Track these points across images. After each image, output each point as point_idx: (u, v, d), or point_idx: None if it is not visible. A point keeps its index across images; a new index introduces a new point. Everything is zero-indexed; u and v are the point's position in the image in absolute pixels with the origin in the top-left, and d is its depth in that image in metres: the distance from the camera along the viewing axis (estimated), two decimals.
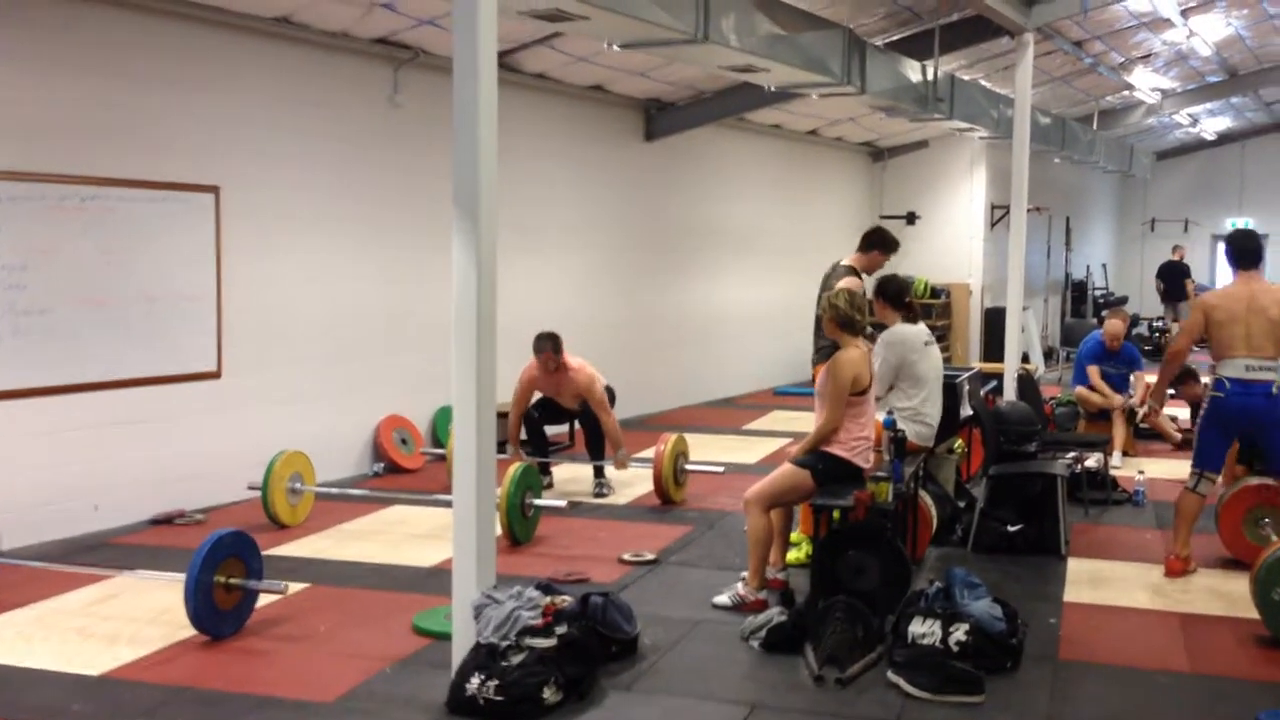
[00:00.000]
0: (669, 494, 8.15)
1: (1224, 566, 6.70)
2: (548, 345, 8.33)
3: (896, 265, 16.65)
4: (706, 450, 10.53)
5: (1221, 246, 24.38)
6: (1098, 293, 21.12)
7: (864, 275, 7.33)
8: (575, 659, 4.75)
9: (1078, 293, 20.29)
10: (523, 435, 8.60)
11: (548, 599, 4.97)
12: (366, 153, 9.04)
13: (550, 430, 8.97)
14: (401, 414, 9.48)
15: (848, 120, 14.79)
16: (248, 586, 5.42)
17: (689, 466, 8.47)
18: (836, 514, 5.69)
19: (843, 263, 7.29)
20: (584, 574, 6.44)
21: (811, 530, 6.19)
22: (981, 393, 8.75)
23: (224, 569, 5.35)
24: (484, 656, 4.62)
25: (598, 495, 8.48)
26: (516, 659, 4.62)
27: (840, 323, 5.88)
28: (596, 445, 8.61)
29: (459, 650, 4.80)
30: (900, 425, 6.09)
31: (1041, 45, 12.41)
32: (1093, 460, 8.82)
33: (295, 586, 6.11)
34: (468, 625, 4.79)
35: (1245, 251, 6.40)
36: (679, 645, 5.36)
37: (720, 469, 8.65)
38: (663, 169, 12.78)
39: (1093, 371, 9.95)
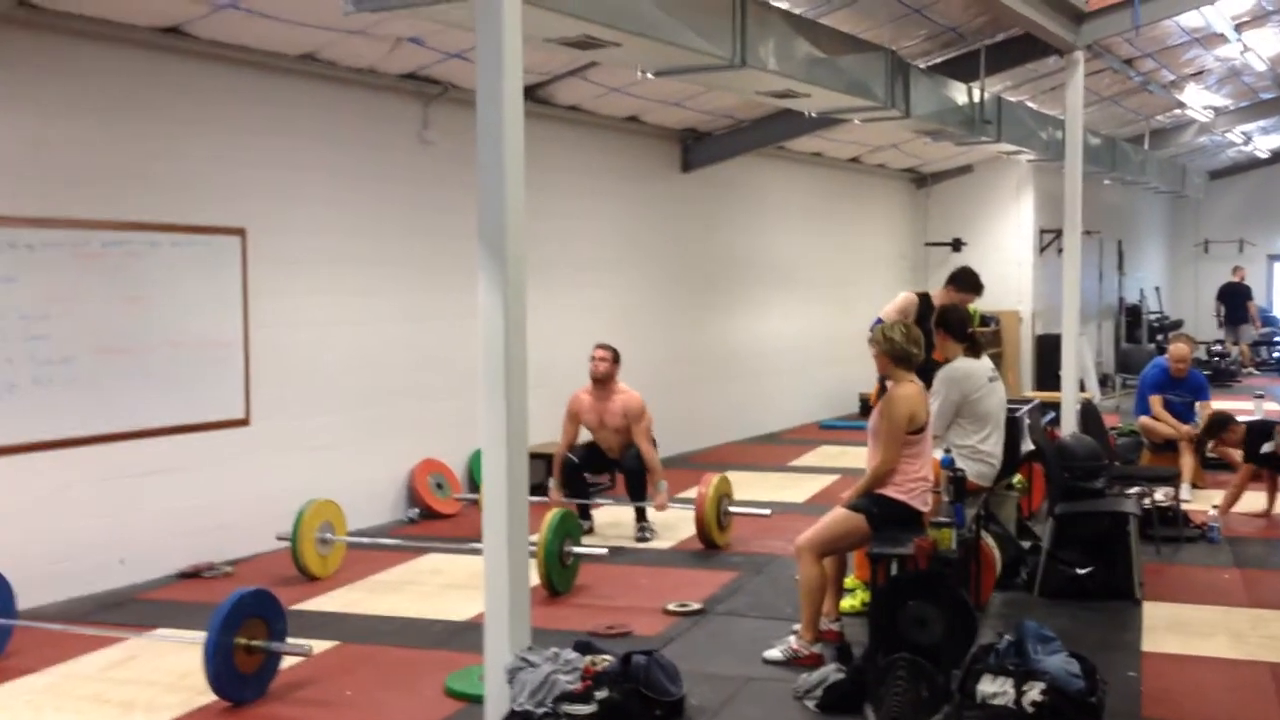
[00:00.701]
0: (712, 538, 7.80)
1: None
2: (611, 350, 8.20)
3: None
4: (752, 489, 10.18)
5: (1269, 266, 23.86)
6: (1152, 317, 20.58)
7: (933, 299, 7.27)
8: None
9: (1132, 317, 19.76)
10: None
11: (586, 660, 4.64)
12: (397, 191, 8.82)
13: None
14: (437, 458, 9.20)
15: (890, 147, 14.46)
16: (270, 648, 5.14)
17: (733, 509, 8.10)
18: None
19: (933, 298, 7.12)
20: (626, 627, 6.10)
21: (867, 575, 5.82)
22: (1042, 424, 8.36)
23: (245, 630, 5.07)
24: None
25: (640, 540, 8.14)
26: None
27: (895, 357, 5.54)
28: (638, 489, 8.28)
29: (492, 717, 4.48)
30: (959, 464, 5.73)
31: (1091, 64, 12.03)
32: (1161, 494, 8.37)
33: (323, 644, 5.84)
34: (501, 690, 4.47)
35: None
36: (728, 706, 5.00)
37: (767, 511, 8.28)
38: (701, 200, 12.49)
39: (1154, 401, 9.50)
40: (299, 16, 7.12)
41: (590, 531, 8.28)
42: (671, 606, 6.45)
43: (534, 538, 6.72)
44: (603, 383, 8.22)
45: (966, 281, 7.17)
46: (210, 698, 5.03)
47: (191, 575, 7.30)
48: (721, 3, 7.00)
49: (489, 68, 4.35)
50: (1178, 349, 9.57)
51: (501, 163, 4.37)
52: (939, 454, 5.81)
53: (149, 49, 7.11)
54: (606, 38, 6.22)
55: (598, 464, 8.46)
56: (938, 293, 7.16)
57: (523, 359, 4.52)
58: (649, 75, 7.54)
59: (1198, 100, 15.92)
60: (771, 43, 7.47)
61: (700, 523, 7.75)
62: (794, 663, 5.43)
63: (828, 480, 10.43)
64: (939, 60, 11.05)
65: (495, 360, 4.44)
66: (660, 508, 8.11)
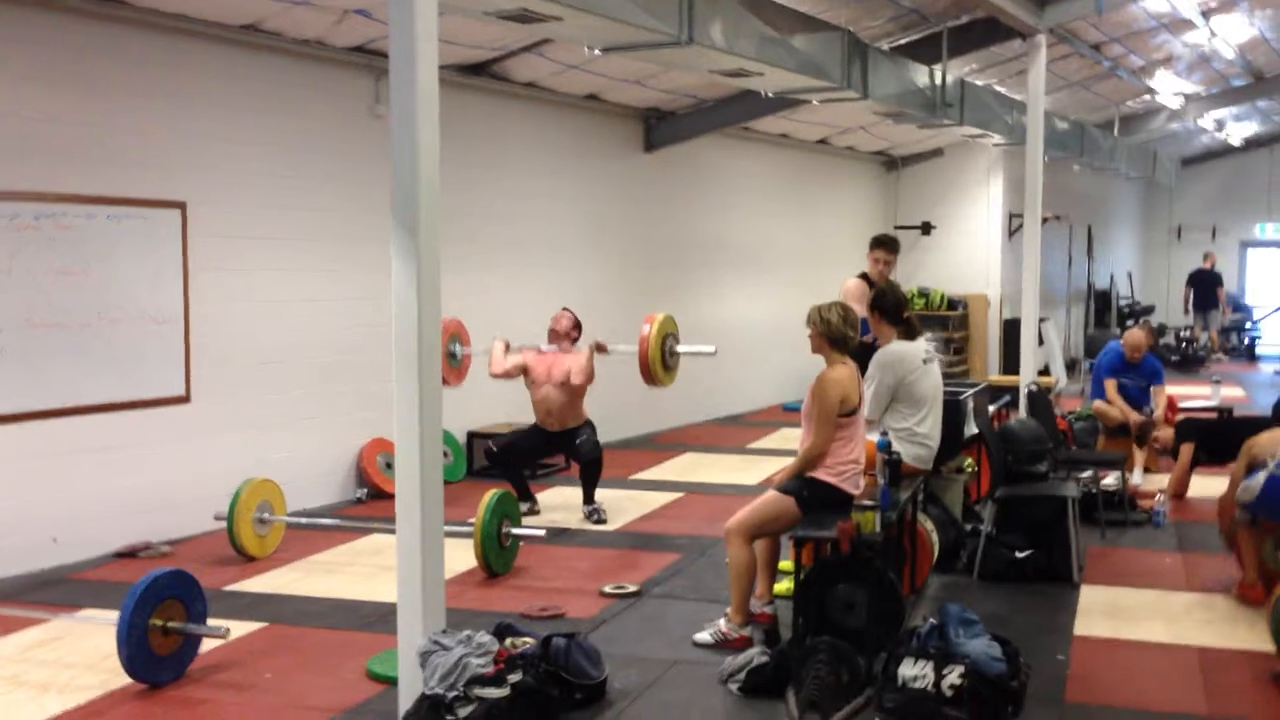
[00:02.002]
0: (658, 377, 7.35)
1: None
2: (574, 316, 8.20)
3: (913, 276, 16.47)
4: (710, 470, 10.16)
5: (1242, 253, 23.91)
6: (1123, 302, 20.58)
7: (874, 279, 7.40)
8: (530, 710, 4.35)
9: (1101, 303, 19.76)
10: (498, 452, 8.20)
11: (502, 644, 4.57)
12: (346, 166, 8.70)
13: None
14: (386, 437, 9.11)
15: (858, 129, 14.37)
16: (187, 631, 5.05)
17: (680, 349, 7.55)
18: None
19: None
20: (560, 609, 6.04)
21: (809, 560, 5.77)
22: (993, 408, 8.32)
23: (162, 611, 4.99)
24: (428, 709, 4.22)
25: (594, 520, 8.04)
26: (464, 711, 4.22)
27: (831, 339, 5.48)
28: (591, 478, 8.18)
29: (405, 701, 4.42)
30: (896, 447, 5.66)
31: (1057, 48, 11.99)
32: (1111, 479, 8.36)
33: (251, 626, 5.78)
34: (414, 673, 4.40)
35: None
36: (652, 689, 4.95)
37: (711, 349, 7.97)
38: (665, 180, 12.40)
39: (1109, 385, 9.47)
40: None
41: (535, 512, 8.20)
42: (608, 589, 6.39)
43: (472, 519, 6.69)
44: (559, 338, 8.12)
45: (878, 242, 7.53)
46: (128, 680, 4.95)
47: (128, 555, 7.21)
48: None
49: (402, 37, 4.24)
50: (1133, 336, 9.54)
51: (414, 131, 4.26)
52: (875, 437, 5.75)
53: (84, 17, 6.97)
54: (546, 11, 6.12)
55: (541, 449, 8.35)
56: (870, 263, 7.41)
57: (436, 338, 4.44)
58: (596, 51, 7.43)
59: (1168, 86, 15.88)
60: (720, 20, 7.37)
61: (645, 363, 7.30)
62: (722, 645, 5.38)
63: (786, 462, 10.35)
64: (902, 42, 10.97)
65: (408, 340, 4.35)
66: (601, 348, 7.87)
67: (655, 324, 7.31)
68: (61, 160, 6.94)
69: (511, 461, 8.24)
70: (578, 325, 8.23)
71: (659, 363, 7.31)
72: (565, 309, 8.34)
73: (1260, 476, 5.86)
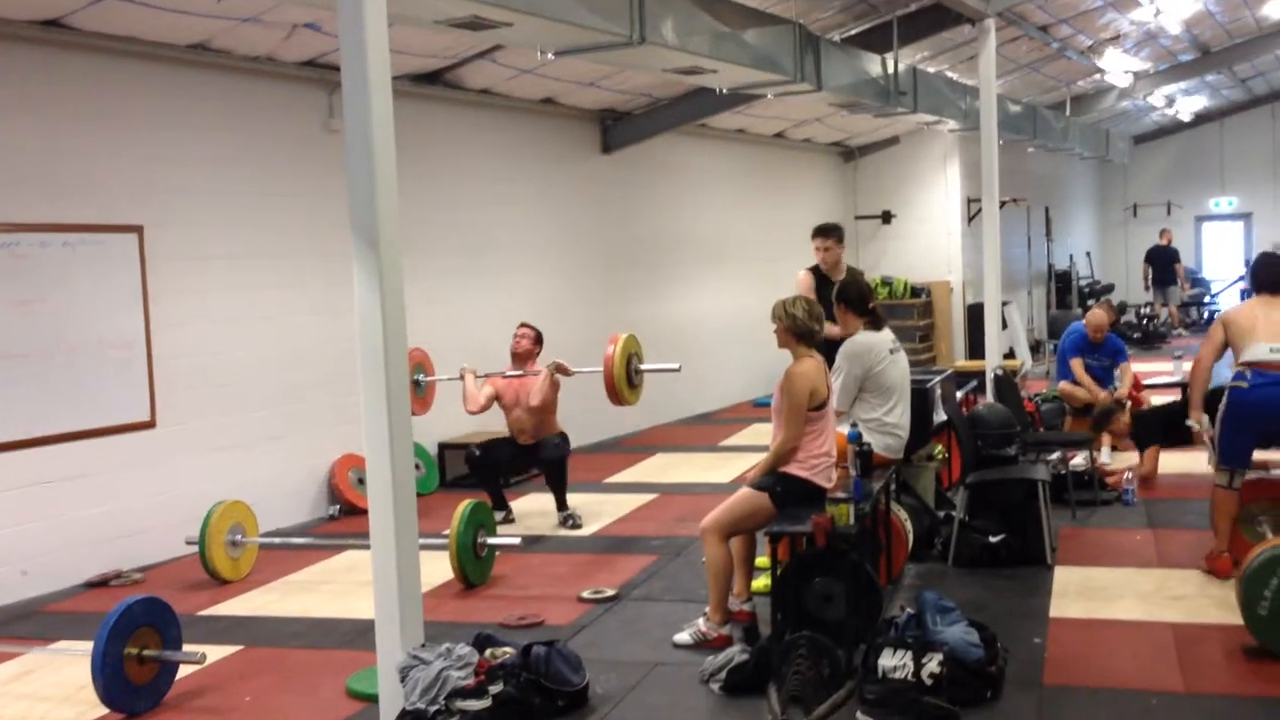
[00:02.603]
0: (624, 397, 7.39)
1: None
2: (533, 329, 8.19)
3: (875, 265, 16.55)
4: (681, 470, 10.17)
5: (1197, 227, 24.20)
6: (1083, 282, 20.77)
7: (824, 270, 7.37)
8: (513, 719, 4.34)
9: (1062, 283, 19.92)
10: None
11: (482, 655, 4.56)
12: (303, 181, 8.64)
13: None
14: (357, 452, 9.05)
15: (814, 120, 14.43)
16: (163, 658, 5.01)
17: (644, 368, 7.60)
18: None
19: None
20: (538, 617, 6.02)
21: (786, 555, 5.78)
22: (961, 393, 8.38)
23: (136, 639, 4.94)
24: None
25: (570, 526, 8.03)
26: None
27: (797, 333, 5.49)
28: (558, 479, 8.17)
29: (386, 718, 4.39)
30: (866, 437, 5.68)
31: (1006, 31, 12.09)
32: (1079, 459, 8.43)
33: (227, 650, 5.73)
34: (394, 690, 4.39)
35: (1271, 278, 6.16)
36: (634, 692, 4.94)
37: (676, 366, 8.11)
38: (624, 181, 12.40)
39: (1076, 364, 9.55)
40: (184, 5, 6.92)
41: (510, 521, 8.18)
42: (586, 594, 6.38)
43: (446, 531, 6.66)
44: (522, 360, 8.11)
45: (815, 231, 7.48)
46: (106, 710, 4.90)
47: (99, 584, 7.12)
48: None
49: (352, 50, 4.22)
50: (1095, 316, 9.62)
51: (370, 144, 4.24)
52: (845, 428, 5.77)
53: (28, 43, 6.88)
54: (496, 18, 6.11)
55: (514, 460, 8.33)
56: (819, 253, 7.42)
57: (402, 350, 4.42)
58: (550, 55, 7.42)
59: (1117, 65, 16.03)
60: (671, 19, 7.39)
61: (610, 384, 7.32)
62: (702, 645, 5.39)
63: (758, 458, 10.38)
64: (853, 32, 11.03)
65: (374, 355, 4.33)
66: (562, 370, 7.94)
67: (619, 345, 7.34)
68: (13, 189, 6.85)
69: (492, 466, 8.22)
70: (539, 340, 8.22)
71: (624, 382, 7.36)
72: (524, 325, 8.30)
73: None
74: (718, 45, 7.96)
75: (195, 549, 7.02)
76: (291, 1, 6.04)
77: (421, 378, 7.69)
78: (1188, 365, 11.66)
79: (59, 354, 7.06)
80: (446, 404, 9.57)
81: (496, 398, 8.15)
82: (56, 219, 7.05)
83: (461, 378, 8.06)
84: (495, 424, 8.61)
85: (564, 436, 8.19)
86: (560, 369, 7.92)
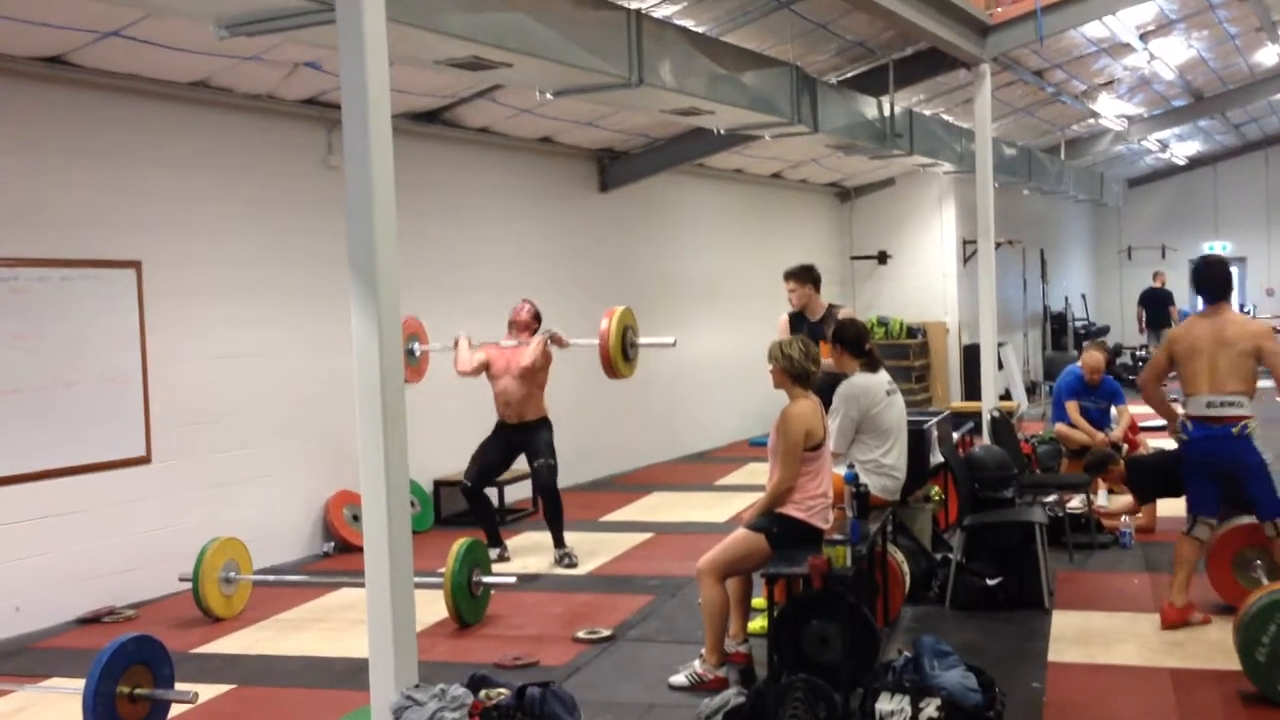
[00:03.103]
0: (618, 369, 7.40)
1: (1218, 612, 6.25)
2: (533, 305, 8.22)
3: (871, 305, 16.60)
4: (677, 509, 10.14)
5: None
6: (1078, 324, 20.83)
7: (803, 313, 7.47)
8: None
9: (1058, 325, 19.98)
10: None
11: (476, 696, 4.51)
12: (302, 218, 8.66)
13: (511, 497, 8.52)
14: (352, 489, 9.02)
15: (810, 161, 14.51)
16: (155, 697, 4.96)
17: (641, 341, 7.63)
18: None
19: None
20: (533, 657, 5.99)
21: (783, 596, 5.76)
22: (957, 435, 8.37)
23: (128, 678, 4.89)
24: None
25: (564, 564, 7.99)
26: None
27: (793, 374, 5.49)
28: (553, 511, 8.16)
29: None
30: (863, 479, 5.67)
31: (1001, 76, 12.19)
32: (1076, 501, 8.42)
33: (219, 688, 5.68)
34: None
35: (1213, 282, 6.03)
36: None
37: (671, 340, 8.13)
38: (621, 220, 12.44)
39: (1071, 407, 9.53)
40: (186, 44, 6.96)
41: (505, 559, 8.14)
42: (581, 634, 6.35)
43: (442, 569, 6.63)
44: (519, 329, 8.13)
45: (803, 274, 7.51)
46: None
47: (91, 621, 7.08)
48: (615, 21, 6.98)
49: (353, 89, 4.24)
50: (1091, 357, 9.61)
51: (370, 185, 4.25)
52: (842, 469, 5.76)
53: (31, 79, 6.91)
54: (496, 58, 6.16)
55: (505, 458, 8.23)
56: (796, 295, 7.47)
57: (400, 388, 4.41)
58: (549, 95, 7.47)
59: (1111, 109, 16.19)
60: (669, 61, 7.44)
61: (605, 355, 7.35)
62: (698, 687, 5.35)
63: (754, 497, 10.35)
64: (850, 75, 11.12)
65: (370, 391, 4.32)
66: (558, 340, 7.98)
67: (614, 317, 7.37)
68: (13, 223, 6.87)
69: (486, 486, 8.23)
70: (537, 316, 8.26)
71: (619, 355, 7.36)
72: (525, 300, 8.34)
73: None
74: (715, 87, 8.02)
75: (189, 586, 6.98)
76: (293, 40, 6.09)
77: (415, 347, 7.77)
78: (1181, 409, 11.72)
79: (55, 388, 7.04)
80: (443, 441, 9.59)
81: (487, 366, 8.15)
82: (56, 254, 7.06)
83: (455, 345, 8.13)
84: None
85: (549, 425, 8.16)
86: (556, 339, 7.93)
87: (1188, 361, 5.91)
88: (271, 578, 7.45)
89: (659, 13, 8.09)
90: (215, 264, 8.06)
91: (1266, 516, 5.94)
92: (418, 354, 7.79)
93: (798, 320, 7.35)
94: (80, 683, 4.93)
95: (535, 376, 8.06)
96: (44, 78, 6.97)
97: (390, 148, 4.35)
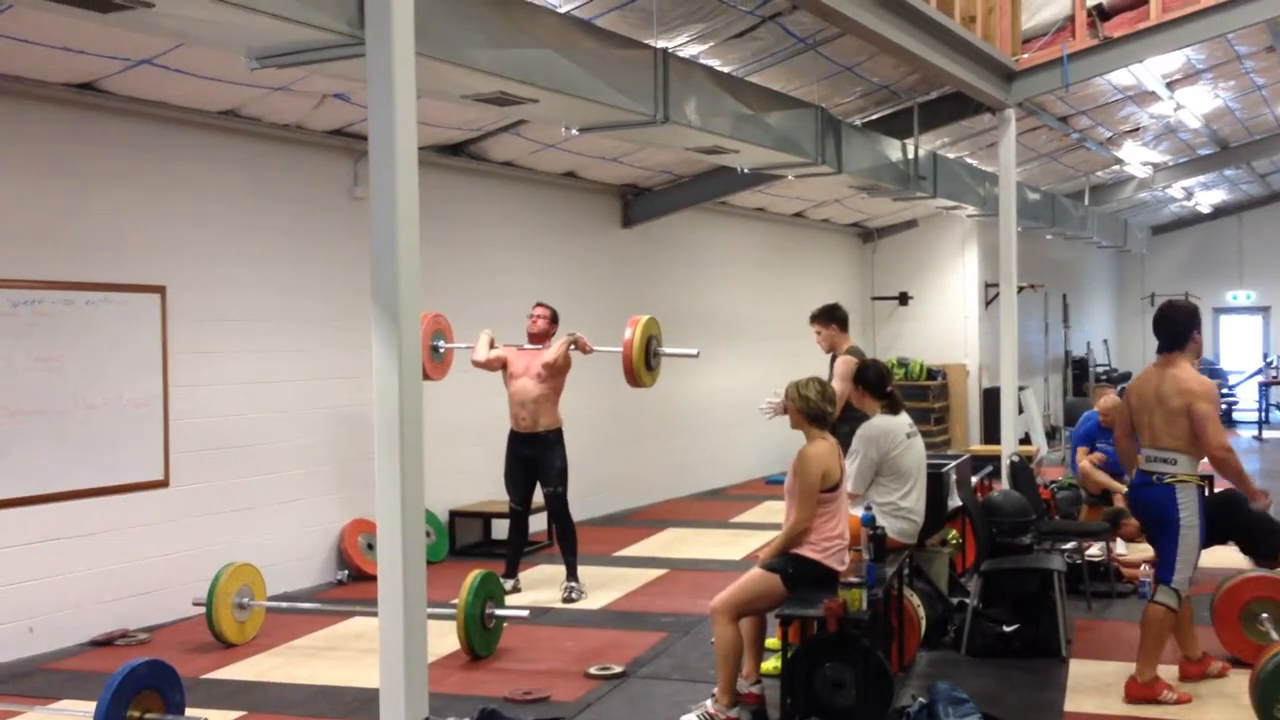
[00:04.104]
0: (640, 378, 7.36)
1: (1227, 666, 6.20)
2: (549, 309, 8.23)
3: (891, 346, 16.57)
4: (692, 546, 10.10)
5: (1215, 319, 24.01)
6: (1099, 369, 20.72)
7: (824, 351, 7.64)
8: None
9: (1079, 370, 19.89)
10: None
11: None
12: (325, 248, 8.73)
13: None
14: (367, 518, 9.03)
15: (833, 202, 14.54)
16: None
17: (665, 350, 7.58)
18: None
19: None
20: (544, 692, 5.95)
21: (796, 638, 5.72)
22: (975, 479, 8.32)
23: (139, 703, 4.90)
24: None
25: (567, 600, 7.97)
26: None
27: (810, 415, 5.48)
28: (568, 546, 8.14)
29: None
30: (880, 521, 5.64)
31: (1026, 121, 12.20)
32: (1096, 549, 8.34)
33: (230, 715, 5.69)
34: None
35: (1163, 330, 5.78)
36: None
37: (695, 352, 8.09)
38: (643, 256, 12.48)
39: (1080, 454, 9.45)
40: (217, 73, 7.04)
41: (517, 590, 8.12)
42: (593, 670, 6.32)
43: (455, 601, 6.62)
44: (538, 340, 8.13)
45: (824, 316, 7.66)
46: None
47: (104, 644, 7.08)
48: (642, 59, 7.02)
49: (380, 122, 4.29)
50: (1106, 400, 9.54)
51: (394, 216, 4.29)
52: (860, 511, 5.73)
53: (63, 105, 7.01)
54: (522, 94, 6.19)
55: (523, 468, 8.16)
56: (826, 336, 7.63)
57: (418, 418, 4.42)
58: (574, 131, 7.51)
59: (1136, 156, 16.16)
60: (695, 100, 7.48)
61: (628, 364, 7.30)
62: None
63: (770, 536, 10.31)
64: (874, 117, 11.15)
65: (389, 422, 4.33)
66: (580, 345, 7.95)
67: (638, 326, 7.35)
68: (40, 247, 6.94)
69: (527, 508, 8.25)
70: (554, 319, 8.25)
71: (642, 364, 7.33)
72: (539, 304, 8.32)
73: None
74: (740, 126, 8.06)
75: (203, 610, 6.99)
76: (322, 72, 6.15)
77: (440, 344, 7.82)
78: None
79: (77, 411, 7.09)
80: (458, 471, 9.60)
81: (505, 365, 8.14)
82: (81, 277, 7.12)
83: (479, 337, 8.18)
84: (504, 492, 8.52)
85: (561, 437, 8.13)
86: (579, 343, 7.91)
87: (1137, 414, 5.77)
88: (285, 605, 7.45)
89: (685, 52, 8.14)
90: (239, 291, 8.12)
91: (1160, 580, 5.71)
92: (442, 351, 7.81)
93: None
94: (91, 705, 4.93)
95: (554, 379, 8.04)
96: (74, 103, 7.06)
97: (416, 180, 4.39)
